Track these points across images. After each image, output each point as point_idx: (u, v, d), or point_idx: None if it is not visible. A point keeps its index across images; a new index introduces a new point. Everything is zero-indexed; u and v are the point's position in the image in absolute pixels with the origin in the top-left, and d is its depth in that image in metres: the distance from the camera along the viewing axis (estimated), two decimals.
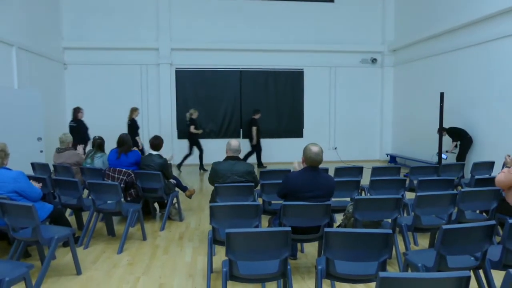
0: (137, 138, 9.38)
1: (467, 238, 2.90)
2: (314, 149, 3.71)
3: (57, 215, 4.39)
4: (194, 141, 10.59)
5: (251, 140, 10.91)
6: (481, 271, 3.22)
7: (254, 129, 10.85)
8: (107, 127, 9.23)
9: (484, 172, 6.35)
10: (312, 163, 3.73)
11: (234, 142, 4.87)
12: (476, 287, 3.33)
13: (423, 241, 4.90)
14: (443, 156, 8.65)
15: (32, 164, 6.31)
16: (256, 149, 10.98)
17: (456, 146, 8.75)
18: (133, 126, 9.63)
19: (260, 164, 10.95)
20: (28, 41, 8.86)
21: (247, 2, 11.88)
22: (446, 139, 8.86)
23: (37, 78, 9.25)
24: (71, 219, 5.42)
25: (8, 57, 8.15)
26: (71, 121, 8.93)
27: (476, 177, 5.39)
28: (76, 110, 8.92)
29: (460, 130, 8.72)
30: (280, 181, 4.01)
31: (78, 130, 8.63)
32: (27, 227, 3.68)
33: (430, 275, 2.17)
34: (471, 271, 3.04)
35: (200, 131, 10.61)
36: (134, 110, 9.75)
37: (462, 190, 4.21)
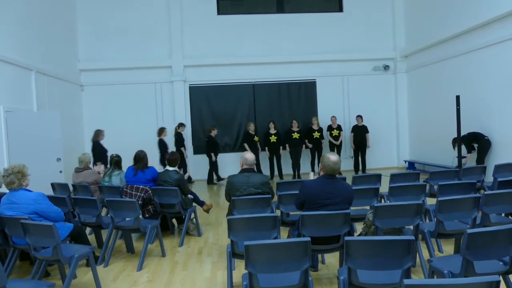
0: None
1: (494, 242, 2.81)
2: (333, 158, 3.71)
3: (77, 233, 4.43)
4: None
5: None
6: (510, 276, 3.10)
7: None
8: (124, 145, 9.33)
9: (507, 174, 6.16)
10: (330, 171, 3.72)
11: (249, 155, 4.88)
12: None
13: (448, 248, 4.76)
14: (463, 160, 8.46)
15: (52, 185, 6.41)
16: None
17: (470, 152, 8.56)
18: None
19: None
20: (46, 65, 9.09)
21: (256, 16, 12.01)
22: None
23: (55, 100, 9.46)
24: (91, 237, 5.45)
25: (27, 82, 8.38)
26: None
27: (499, 179, 5.23)
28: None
29: (476, 134, 8.54)
30: (297, 192, 3.97)
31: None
32: (48, 246, 3.71)
33: (458, 280, 2.09)
34: (500, 276, 2.93)
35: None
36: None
37: (486, 193, 4.10)
